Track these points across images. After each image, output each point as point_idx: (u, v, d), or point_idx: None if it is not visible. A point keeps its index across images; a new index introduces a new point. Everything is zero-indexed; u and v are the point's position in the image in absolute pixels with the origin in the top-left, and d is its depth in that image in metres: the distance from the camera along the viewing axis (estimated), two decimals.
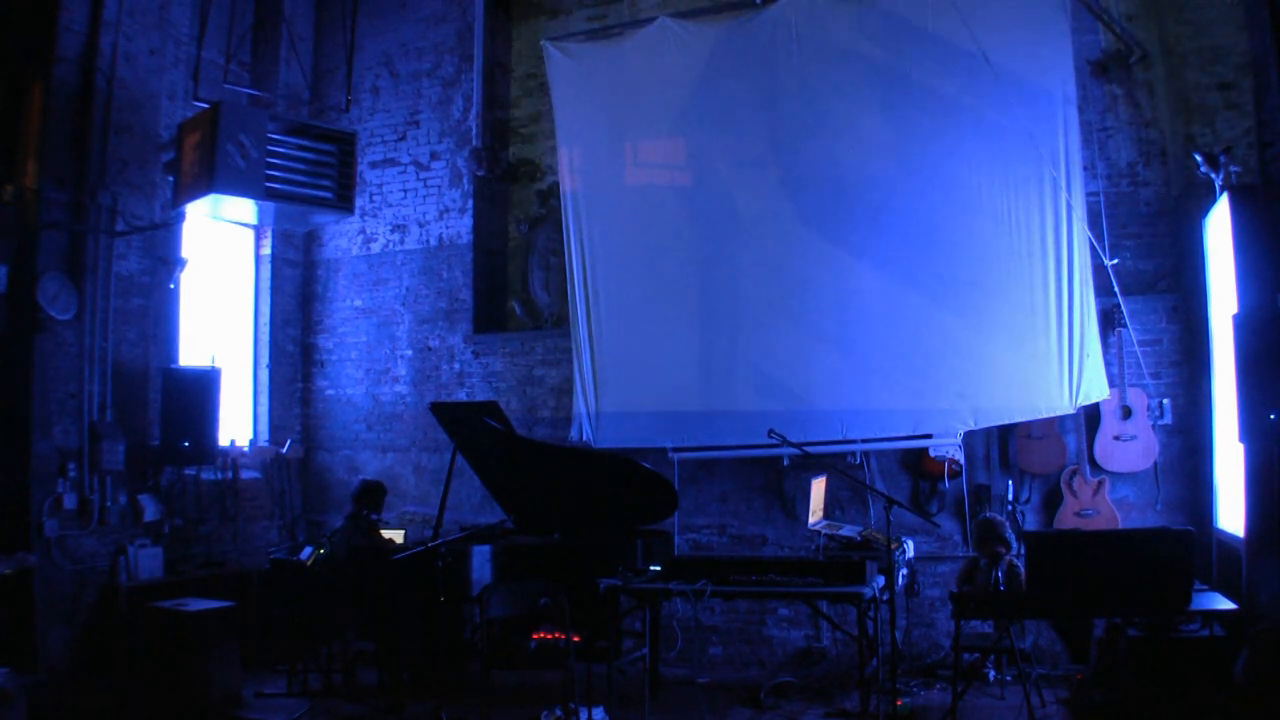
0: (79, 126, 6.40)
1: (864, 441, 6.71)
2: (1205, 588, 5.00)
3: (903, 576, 5.90)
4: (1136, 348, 6.34)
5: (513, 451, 6.24)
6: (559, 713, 5.36)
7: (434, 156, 8.53)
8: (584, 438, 7.36)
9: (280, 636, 6.70)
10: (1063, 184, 6.23)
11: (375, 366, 8.58)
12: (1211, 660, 4.63)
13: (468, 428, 6.13)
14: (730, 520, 7.34)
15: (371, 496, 6.69)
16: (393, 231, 8.63)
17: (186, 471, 7.26)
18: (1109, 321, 6.38)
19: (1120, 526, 6.20)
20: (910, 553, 6.13)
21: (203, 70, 7.04)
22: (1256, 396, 4.89)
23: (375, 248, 8.68)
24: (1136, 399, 6.31)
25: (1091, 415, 6.37)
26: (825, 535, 6.09)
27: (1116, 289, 6.30)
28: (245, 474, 7.91)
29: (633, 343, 7.35)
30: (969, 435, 6.57)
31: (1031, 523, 6.55)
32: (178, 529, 7.08)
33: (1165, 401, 6.40)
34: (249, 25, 8.15)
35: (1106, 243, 6.38)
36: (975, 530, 5.89)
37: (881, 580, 5.32)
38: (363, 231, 8.71)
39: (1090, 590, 4.58)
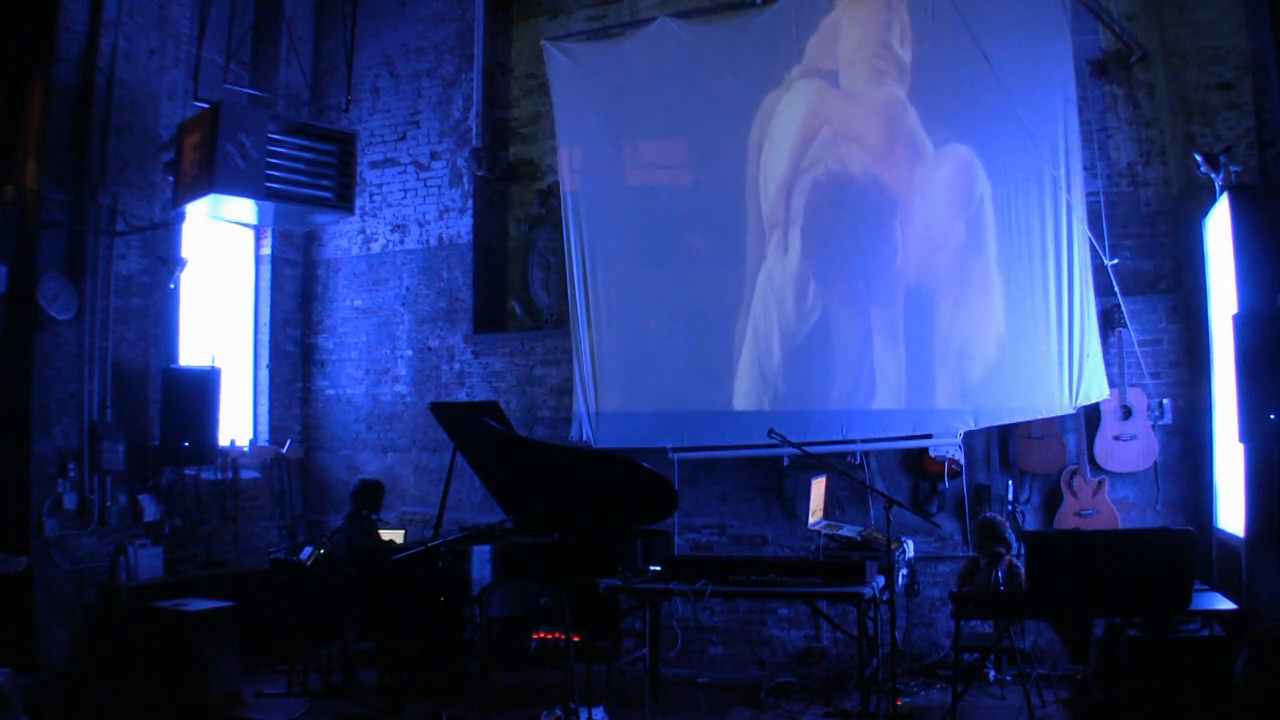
0: (79, 126, 6.40)
1: (864, 441, 6.72)
2: (1205, 588, 4.98)
3: (903, 576, 5.90)
4: (1136, 348, 6.35)
5: (513, 451, 6.24)
6: (559, 713, 5.35)
7: (434, 156, 8.53)
8: (584, 438, 7.36)
9: (280, 636, 6.69)
10: (1063, 184, 6.23)
11: (375, 366, 8.58)
12: (1211, 660, 4.62)
13: (467, 428, 6.12)
14: (730, 520, 7.33)
15: (371, 496, 6.71)
16: (393, 231, 8.62)
17: (186, 471, 7.27)
18: (1109, 321, 6.38)
19: (1120, 526, 6.19)
20: (910, 553, 6.12)
21: (203, 70, 7.05)
22: (1256, 396, 4.89)
23: (375, 248, 8.68)
24: (1136, 399, 6.31)
25: (1091, 415, 6.37)
26: (825, 535, 6.08)
27: (1116, 289, 6.31)
28: (245, 474, 7.91)
29: (633, 343, 7.36)
30: (969, 435, 6.57)
31: (1031, 523, 6.55)
32: (178, 529, 7.09)
33: (1165, 401, 6.40)
34: (249, 25, 8.14)
35: (1106, 243, 6.38)
36: (975, 530, 5.89)
37: (881, 580, 5.31)
38: (363, 231, 8.71)
39: (1090, 590, 4.57)
